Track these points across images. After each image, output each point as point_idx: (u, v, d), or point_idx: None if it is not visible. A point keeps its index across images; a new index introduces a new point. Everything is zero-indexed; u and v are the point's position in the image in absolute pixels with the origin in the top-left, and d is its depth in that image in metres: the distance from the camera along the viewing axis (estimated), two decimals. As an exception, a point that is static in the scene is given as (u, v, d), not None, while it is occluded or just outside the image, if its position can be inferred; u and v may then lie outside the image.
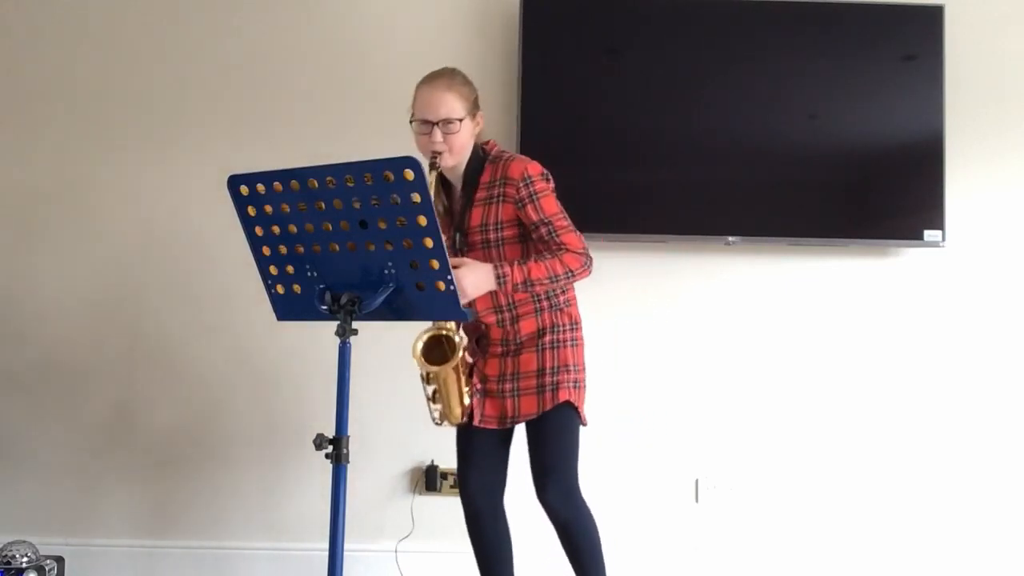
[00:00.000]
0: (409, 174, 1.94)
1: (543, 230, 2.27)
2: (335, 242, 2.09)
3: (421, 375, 2.36)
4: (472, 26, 3.27)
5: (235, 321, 3.22)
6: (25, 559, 2.80)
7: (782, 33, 3.17)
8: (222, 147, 3.24)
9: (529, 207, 2.27)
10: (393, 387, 3.20)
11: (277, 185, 2.09)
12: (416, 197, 1.96)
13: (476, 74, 3.21)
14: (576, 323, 2.39)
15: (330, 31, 3.27)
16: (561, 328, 2.35)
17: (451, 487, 3.18)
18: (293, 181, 2.07)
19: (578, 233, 2.29)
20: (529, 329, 2.35)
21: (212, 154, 3.23)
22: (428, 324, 2.33)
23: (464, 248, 2.37)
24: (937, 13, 3.16)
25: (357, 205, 2.02)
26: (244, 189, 2.14)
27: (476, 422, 2.36)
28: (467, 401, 2.37)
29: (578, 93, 3.18)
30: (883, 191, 3.17)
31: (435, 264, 2.02)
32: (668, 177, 3.19)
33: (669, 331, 3.23)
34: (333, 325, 2.11)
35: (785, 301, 3.24)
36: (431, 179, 2.23)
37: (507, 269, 2.22)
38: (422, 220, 1.98)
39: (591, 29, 3.17)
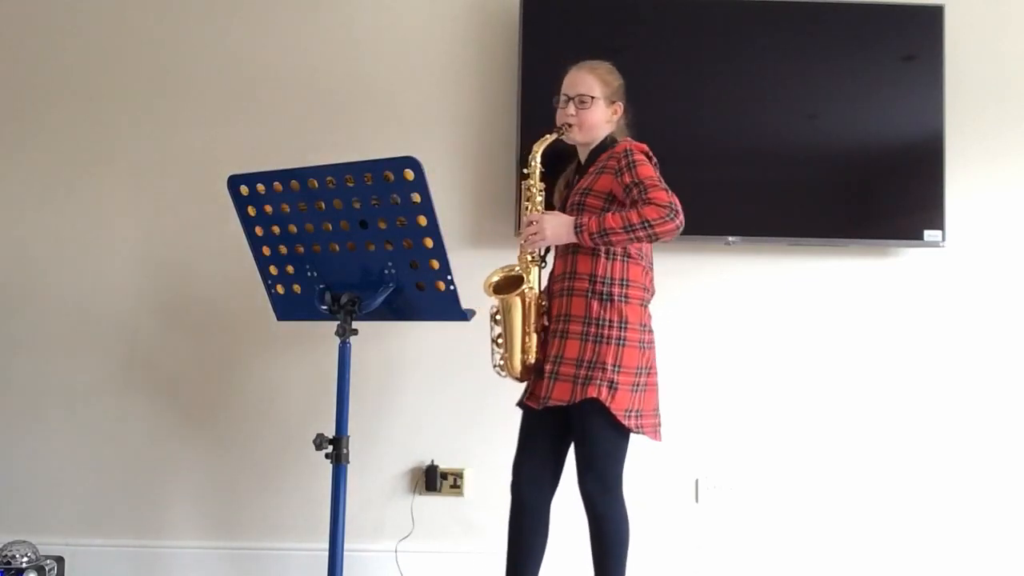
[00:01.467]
0: (409, 174, 1.94)
1: (635, 191, 2.29)
2: (335, 242, 2.10)
3: (491, 313, 2.40)
4: (472, 26, 3.27)
5: (235, 321, 3.22)
6: (25, 559, 2.80)
7: (782, 33, 3.17)
8: (222, 147, 3.24)
9: (626, 173, 2.31)
10: (393, 387, 3.21)
11: (277, 185, 2.10)
12: (416, 197, 1.96)
13: (476, 74, 3.25)
14: (628, 322, 2.35)
15: (330, 31, 3.27)
16: (606, 323, 2.33)
17: (451, 487, 3.18)
18: (293, 181, 2.08)
19: (669, 192, 2.28)
20: (576, 309, 2.35)
21: (212, 154, 3.23)
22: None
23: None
24: (937, 13, 3.16)
25: (357, 205, 2.03)
26: (244, 189, 2.14)
27: (530, 403, 2.40)
28: (532, 359, 2.38)
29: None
30: (883, 191, 3.17)
31: (435, 264, 2.02)
32: (668, 177, 3.16)
33: (669, 331, 3.22)
34: (333, 325, 2.11)
35: (785, 301, 3.24)
36: (550, 138, 2.40)
37: (585, 219, 2.28)
38: (422, 220, 1.98)
39: (591, 29, 3.16)
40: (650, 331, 2.43)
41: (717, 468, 3.21)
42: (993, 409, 3.22)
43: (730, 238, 3.14)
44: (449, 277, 2.05)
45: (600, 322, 2.33)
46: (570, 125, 2.43)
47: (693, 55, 3.18)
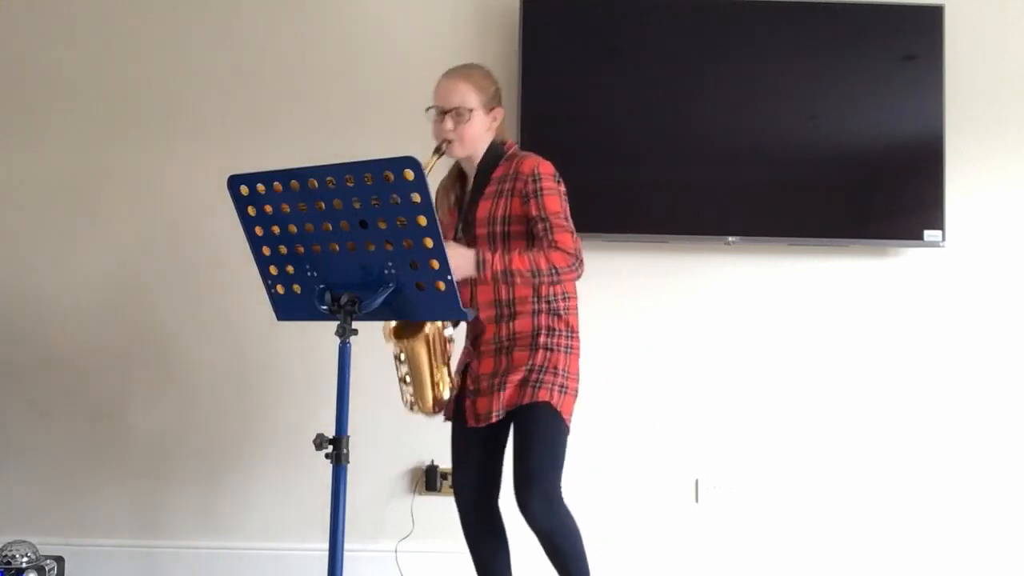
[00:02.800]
0: (409, 174, 1.94)
1: (540, 226, 2.26)
2: (335, 242, 2.09)
3: (394, 354, 2.35)
4: (472, 26, 3.27)
5: (235, 321, 3.22)
6: (25, 559, 2.80)
7: (782, 33, 3.17)
8: (222, 147, 3.24)
9: (532, 201, 2.27)
10: (393, 387, 3.19)
11: (277, 185, 2.09)
12: (416, 197, 1.96)
13: (476, 74, 3.24)
14: (573, 331, 2.36)
15: (330, 31, 3.28)
16: (557, 332, 2.32)
17: (451, 487, 3.17)
18: (293, 181, 2.07)
19: (574, 235, 2.26)
20: (523, 328, 2.32)
21: (212, 154, 3.23)
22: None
23: (470, 242, 2.35)
24: (937, 13, 3.16)
25: (357, 205, 2.02)
26: (244, 189, 2.14)
27: (472, 423, 2.34)
28: (444, 395, 2.35)
29: (578, 93, 3.18)
30: (883, 191, 3.17)
31: (435, 264, 2.02)
32: (668, 177, 3.19)
33: (669, 331, 3.23)
34: (333, 325, 2.11)
35: (785, 301, 3.24)
36: (433, 160, 2.29)
37: (488, 255, 2.22)
38: (422, 220, 1.98)
39: (591, 29, 3.17)
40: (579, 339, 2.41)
41: (717, 468, 3.21)
42: (993, 409, 3.22)
43: (730, 238, 3.14)
44: (449, 277, 2.04)
45: (551, 332, 2.31)
46: (449, 141, 2.31)
47: (693, 55, 3.18)
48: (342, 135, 3.23)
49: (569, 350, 2.34)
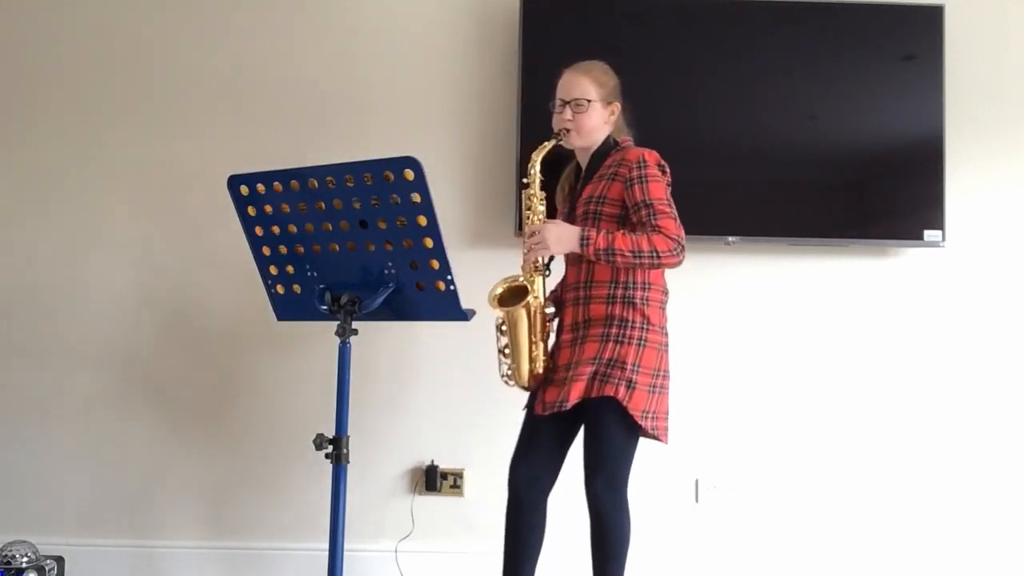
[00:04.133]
0: (409, 174, 1.94)
1: (643, 212, 2.28)
2: (335, 242, 2.10)
3: (496, 324, 2.38)
4: (472, 26, 3.27)
5: (235, 321, 3.22)
6: (25, 559, 2.80)
7: (782, 33, 3.17)
8: (222, 147, 3.24)
9: (636, 187, 2.29)
10: (393, 387, 3.21)
11: (277, 185, 2.10)
12: (416, 197, 1.96)
13: (476, 74, 3.25)
14: (651, 324, 2.34)
15: (330, 31, 3.27)
16: (629, 324, 2.31)
17: (451, 487, 3.18)
18: (293, 181, 2.08)
19: (678, 222, 2.29)
20: (597, 314, 2.34)
21: (212, 154, 3.23)
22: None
23: (571, 222, 2.39)
24: (937, 13, 3.15)
25: (357, 205, 2.03)
26: (244, 189, 2.14)
27: (539, 411, 2.36)
28: (539, 369, 2.37)
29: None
30: (883, 191, 3.17)
31: (435, 264, 2.02)
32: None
33: (669, 331, 3.23)
34: (333, 325, 2.11)
35: (785, 301, 3.24)
36: (549, 145, 2.37)
37: (592, 233, 2.25)
38: (422, 220, 1.98)
39: (591, 29, 3.16)
40: (667, 333, 2.41)
41: (717, 468, 3.21)
42: (993, 409, 3.22)
43: (730, 238, 3.14)
44: (449, 277, 2.05)
45: (622, 323, 2.31)
46: (568, 130, 2.40)
47: (693, 55, 3.18)
48: (342, 135, 3.23)
49: (643, 343, 2.32)
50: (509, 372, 2.41)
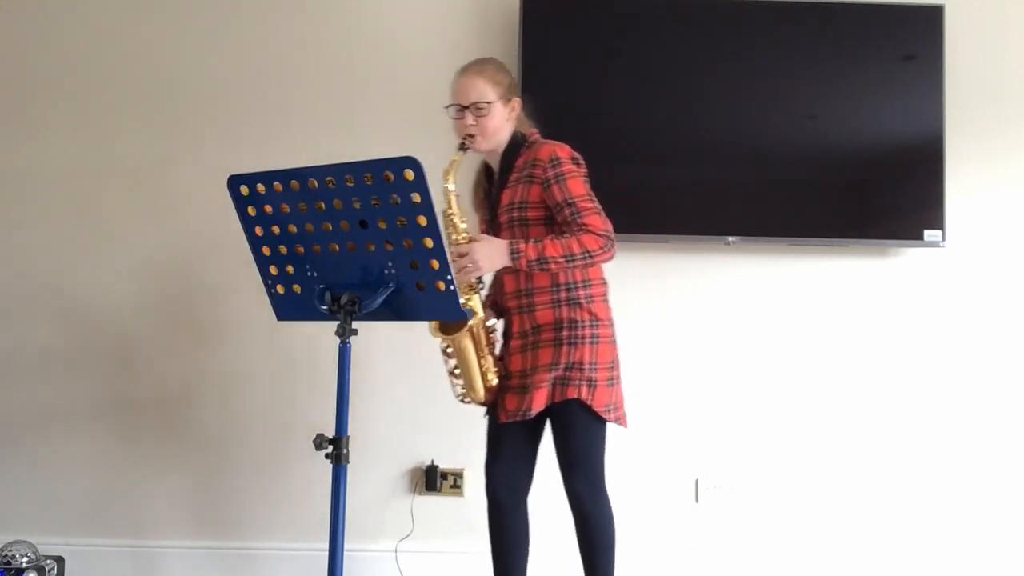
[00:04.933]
0: (409, 174, 1.94)
1: (567, 211, 2.28)
2: (335, 242, 2.10)
3: (441, 348, 2.38)
4: (472, 26, 3.27)
5: (235, 321, 3.22)
6: (25, 559, 2.80)
7: (782, 33, 3.17)
8: (222, 147, 3.24)
9: (555, 187, 2.29)
10: (393, 387, 3.21)
11: (277, 185, 2.09)
12: (416, 197, 1.96)
13: (476, 74, 3.24)
14: (599, 319, 2.36)
15: (329, 31, 3.27)
16: (580, 324, 2.33)
17: (451, 487, 3.18)
18: (293, 181, 2.07)
19: (603, 216, 2.29)
20: (545, 319, 2.35)
21: (212, 154, 3.23)
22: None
23: (494, 230, 2.40)
24: (937, 13, 3.16)
25: (357, 205, 2.03)
26: (244, 189, 2.14)
27: (503, 419, 2.38)
28: (493, 381, 2.38)
29: (578, 93, 3.18)
30: (883, 191, 3.17)
31: (435, 264, 2.02)
32: (668, 177, 3.19)
33: (669, 331, 3.23)
34: (333, 325, 2.11)
35: (785, 301, 3.24)
36: (459, 156, 2.34)
37: (522, 245, 2.25)
38: (422, 220, 1.98)
39: (591, 29, 3.17)
40: (613, 323, 2.42)
41: (717, 468, 3.21)
42: (993, 409, 3.22)
43: (730, 238, 3.14)
44: (449, 277, 2.04)
45: (572, 324, 2.33)
46: (472, 136, 2.36)
47: (693, 55, 3.18)
48: (342, 135, 3.23)
49: (595, 340, 2.34)
50: (463, 391, 2.42)
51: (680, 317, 3.24)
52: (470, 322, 2.30)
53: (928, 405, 3.22)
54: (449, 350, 2.37)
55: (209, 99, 3.27)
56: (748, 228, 3.15)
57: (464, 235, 2.32)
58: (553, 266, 2.26)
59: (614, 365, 2.38)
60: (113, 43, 3.29)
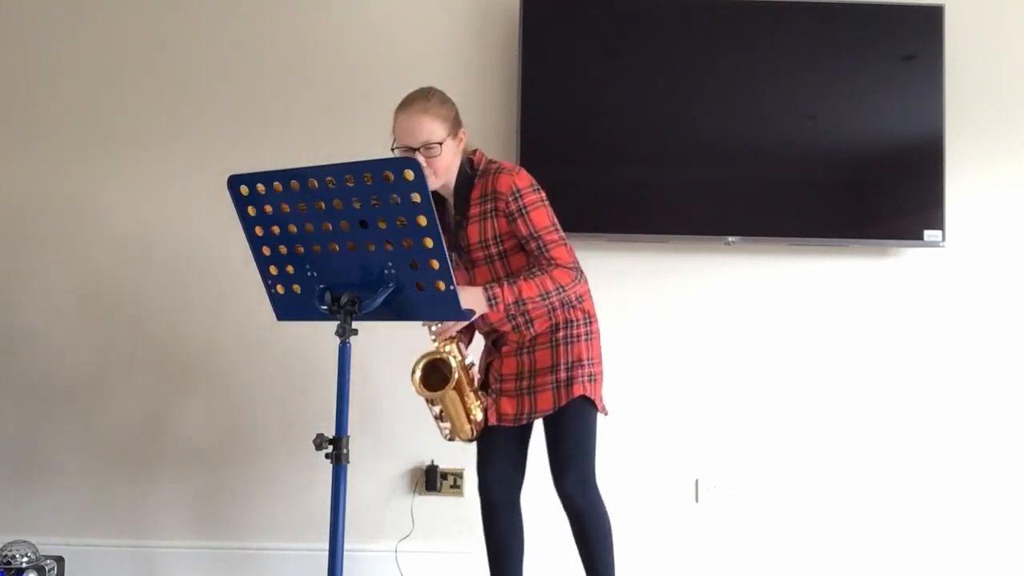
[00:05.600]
0: (409, 174, 1.94)
1: (533, 244, 2.29)
2: (335, 242, 2.09)
3: (425, 399, 2.38)
4: (472, 26, 3.27)
5: (235, 322, 3.22)
6: (25, 559, 2.80)
7: (782, 33, 3.17)
8: (222, 147, 3.24)
9: (519, 221, 2.29)
10: (393, 387, 3.20)
11: (277, 185, 2.09)
12: (416, 197, 1.96)
13: (476, 74, 3.26)
14: (590, 316, 2.40)
15: (329, 32, 3.27)
16: (575, 323, 2.36)
17: (451, 487, 3.18)
18: (293, 181, 2.07)
19: (568, 246, 2.31)
20: (543, 328, 2.37)
21: (212, 154, 3.23)
22: (425, 349, 2.36)
23: (468, 266, 2.38)
24: (937, 13, 3.16)
25: (357, 205, 2.03)
26: (244, 189, 2.14)
27: (493, 421, 2.38)
28: (478, 416, 2.38)
29: (578, 93, 3.18)
30: (883, 191, 3.17)
31: (435, 264, 2.02)
32: (668, 177, 3.19)
33: (669, 331, 3.23)
34: (333, 325, 2.11)
35: (785, 301, 3.24)
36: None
37: (497, 290, 2.24)
38: (422, 220, 1.98)
39: (591, 29, 3.17)
40: (597, 317, 2.45)
41: (717, 468, 3.21)
42: (993, 409, 3.22)
43: (730, 238, 3.14)
44: (449, 276, 2.04)
45: (568, 323, 2.36)
46: None
47: (693, 55, 3.18)
48: (342, 135, 3.23)
49: (590, 336, 2.38)
50: (449, 434, 2.41)
51: (680, 317, 3.23)
52: (454, 376, 2.28)
53: (928, 405, 3.22)
54: (432, 399, 2.35)
55: (209, 99, 3.27)
56: (748, 228, 3.15)
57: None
58: (530, 306, 2.28)
59: (601, 360, 2.43)
60: (113, 43, 3.29)
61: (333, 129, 3.24)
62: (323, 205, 2.06)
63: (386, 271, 2.08)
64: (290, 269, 2.18)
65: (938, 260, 3.23)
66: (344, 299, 2.08)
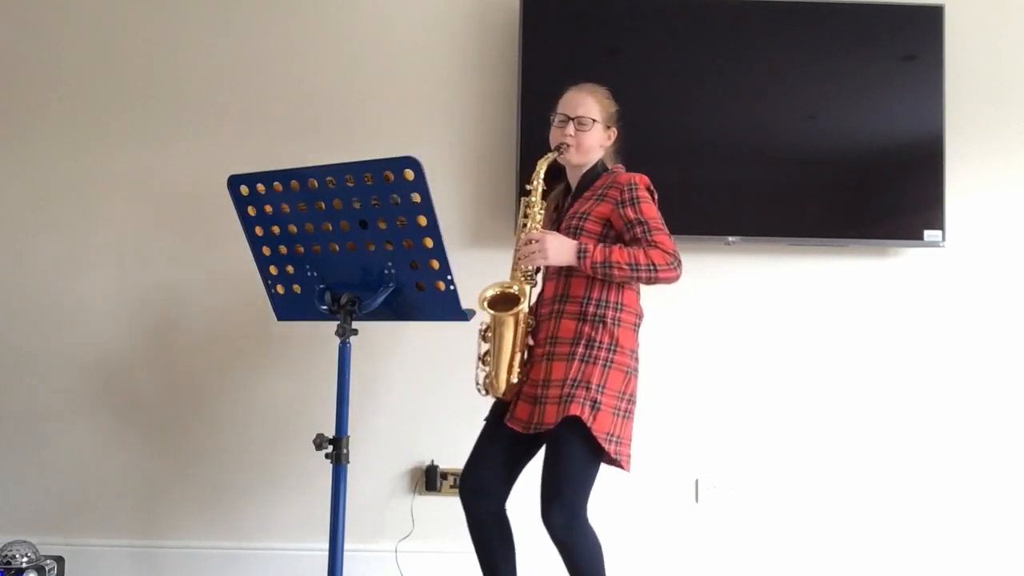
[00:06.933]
0: (409, 174, 1.94)
1: (638, 229, 2.29)
2: (335, 242, 2.10)
3: (480, 330, 2.38)
4: (472, 26, 3.27)
5: (235, 321, 3.22)
6: (25, 559, 2.80)
7: (782, 33, 3.17)
8: (222, 147, 3.24)
9: (628, 208, 2.31)
10: (393, 387, 3.21)
11: (277, 185, 2.10)
12: (416, 197, 1.96)
13: (476, 75, 3.26)
14: (619, 345, 2.31)
15: (330, 31, 3.27)
16: (596, 344, 2.29)
17: (451, 487, 3.18)
18: (293, 181, 2.08)
19: (672, 239, 2.29)
20: (566, 331, 2.32)
21: (212, 154, 3.23)
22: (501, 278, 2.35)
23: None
24: (937, 13, 3.16)
25: (357, 205, 2.03)
26: (244, 189, 2.14)
27: (506, 419, 2.35)
28: (515, 378, 2.35)
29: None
30: (883, 191, 3.17)
31: (435, 264, 2.02)
32: (668, 177, 3.16)
33: (669, 331, 3.23)
34: (333, 325, 2.11)
35: (785, 301, 3.24)
36: (550, 157, 2.39)
37: (590, 246, 2.26)
38: (422, 220, 1.98)
39: (591, 29, 3.16)
40: (637, 358, 2.38)
41: (717, 468, 3.21)
42: (993, 409, 3.22)
43: (730, 238, 3.14)
44: (449, 277, 2.05)
45: (589, 342, 2.30)
46: (568, 145, 2.39)
47: (693, 55, 3.18)
48: (342, 135, 3.23)
49: (609, 364, 2.29)
50: (487, 380, 2.39)
51: (680, 317, 3.23)
52: (519, 307, 2.29)
53: (928, 405, 3.22)
54: (488, 334, 2.36)
55: (209, 99, 3.26)
56: (748, 228, 3.14)
57: (538, 225, 2.36)
58: (616, 272, 2.24)
59: (626, 397, 2.31)
60: (113, 42, 3.28)
61: (333, 129, 3.24)
62: (323, 205, 2.07)
63: (386, 271, 2.08)
64: (290, 269, 2.19)
65: (938, 260, 3.23)
66: (344, 299, 2.09)
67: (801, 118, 3.18)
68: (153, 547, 3.18)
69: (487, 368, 2.38)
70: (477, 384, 2.42)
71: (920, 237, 3.12)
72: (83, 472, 3.20)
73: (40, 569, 2.81)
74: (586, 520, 2.27)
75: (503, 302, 2.32)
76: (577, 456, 2.24)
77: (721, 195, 3.16)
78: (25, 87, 3.28)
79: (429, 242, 2.01)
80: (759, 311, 3.24)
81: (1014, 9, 3.28)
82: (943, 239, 3.12)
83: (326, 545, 2.09)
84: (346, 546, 2.16)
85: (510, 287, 2.34)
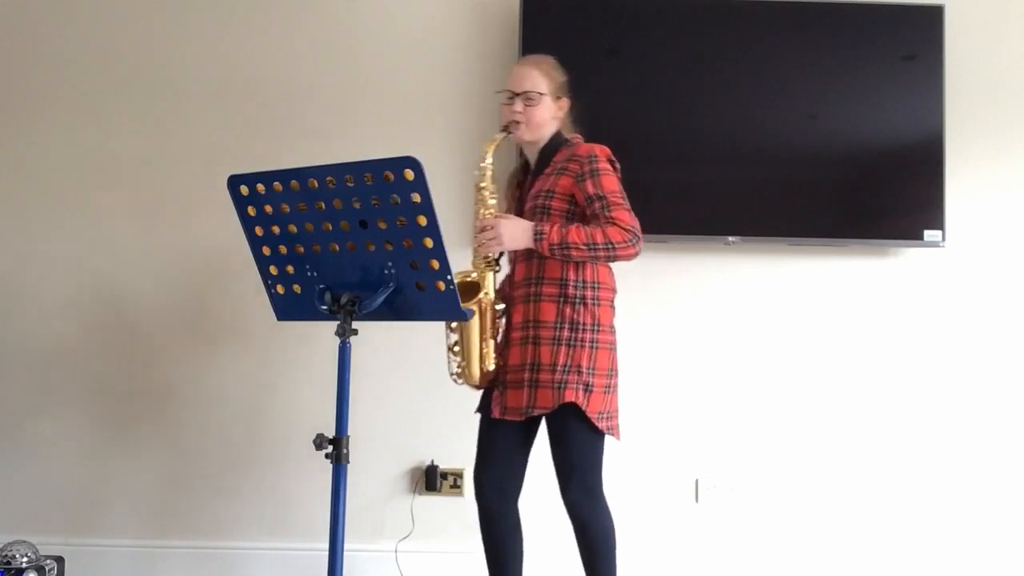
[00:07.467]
0: (409, 174, 1.94)
1: (596, 204, 2.28)
2: (335, 242, 2.10)
3: (446, 322, 2.37)
4: (472, 26, 3.27)
5: (235, 321, 3.22)
6: (25, 559, 2.80)
7: (782, 33, 3.17)
8: (222, 146, 3.24)
9: (588, 181, 2.30)
10: (393, 387, 3.21)
11: (277, 185, 2.10)
12: (416, 197, 1.96)
13: (476, 73, 3.26)
14: (600, 325, 2.34)
15: (330, 30, 3.27)
16: (581, 327, 2.31)
17: (451, 487, 3.18)
18: (293, 181, 2.08)
19: (631, 213, 2.28)
20: (547, 316, 2.32)
21: (212, 154, 3.23)
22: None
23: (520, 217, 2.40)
24: (937, 13, 3.16)
25: (357, 205, 2.03)
26: (244, 189, 2.14)
27: (498, 414, 2.36)
28: (490, 367, 2.36)
29: (578, 93, 3.16)
30: (883, 191, 3.17)
31: (435, 264, 2.02)
32: (668, 177, 3.19)
33: (669, 331, 3.23)
34: (333, 325, 2.11)
35: (785, 301, 3.24)
36: (500, 138, 2.37)
37: (546, 228, 2.26)
38: (422, 220, 1.98)
39: (591, 29, 3.16)
40: (615, 331, 2.40)
41: (717, 468, 3.21)
42: (993, 409, 3.22)
43: (730, 238, 3.14)
44: (449, 277, 2.04)
45: (573, 325, 2.31)
46: (517, 123, 2.38)
47: (693, 55, 3.18)
48: (341, 134, 3.23)
49: (595, 344, 2.32)
50: (459, 371, 2.40)
51: (680, 317, 3.23)
52: (480, 296, 2.29)
53: (928, 405, 3.22)
54: (453, 324, 2.36)
55: (209, 98, 3.27)
56: (748, 228, 3.15)
57: (492, 211, 2.35)
58: (574, 252, 2.25)
59: (612, 373, 2.36)
60: (113, 42, 3.29)
61: (333, 128, 3.24)
62: (323, 205, 2.07)
63: (386, 271, 2.08)
64: (290, 269, 2.19)
65: (938, 260, 3.23)
66: (344, 299, 2.08)
67: (801, 118, 3.18)
68: (153, 547, 3.18)
69: (458, 358, 2.39)
70: (451, 375, 2.43)
71: (920, 237, 3.12)
72: (83, 472, 3.20)
73: (40, 569, 2.81)
74: (603, 496, 2.34)
75: (464, 291, 2.31)
76: (580, 438, 2.30)
77: (721, 195, 3.16)
78: (20, 87, 3.28)
79: (429, 242, 2.00)
80: (759, 311, 3.24)
81: (1014, 9, 3.28)
82: (943, 239, 3.12)
83: (326, 545, 2.09)
84: (346, 546, 2.16)
85: (468, 276, 2.35)
